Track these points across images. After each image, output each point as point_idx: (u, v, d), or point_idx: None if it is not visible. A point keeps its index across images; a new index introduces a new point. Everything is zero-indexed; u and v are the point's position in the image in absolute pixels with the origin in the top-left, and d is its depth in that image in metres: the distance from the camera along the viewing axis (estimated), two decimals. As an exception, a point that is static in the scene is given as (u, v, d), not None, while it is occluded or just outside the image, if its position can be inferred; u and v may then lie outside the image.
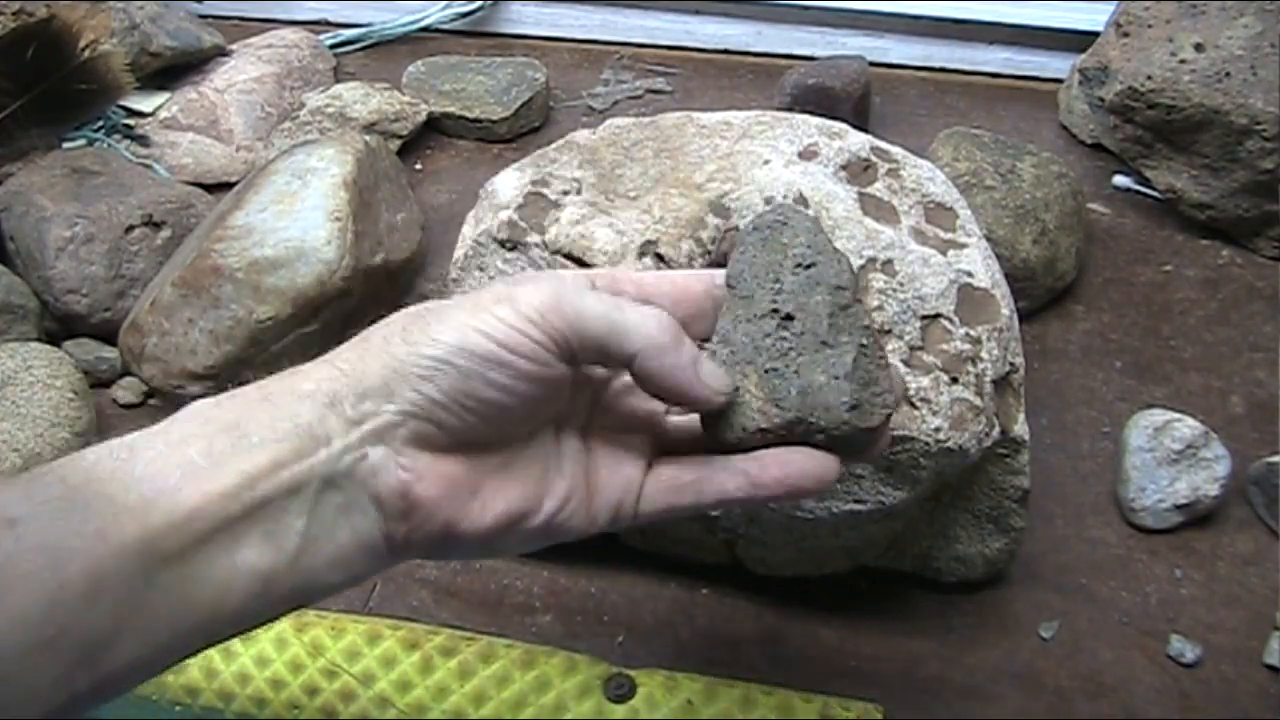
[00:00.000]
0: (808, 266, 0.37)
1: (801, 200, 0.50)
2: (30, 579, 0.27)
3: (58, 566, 0.28)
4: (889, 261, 0.49)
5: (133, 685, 0.30)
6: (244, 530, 0.31)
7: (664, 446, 0.39)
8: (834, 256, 0.37)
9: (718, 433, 0.36)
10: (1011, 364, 0.50)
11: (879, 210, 0.51)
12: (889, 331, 0.47)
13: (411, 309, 0.35)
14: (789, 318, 0.36)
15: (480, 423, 0.34)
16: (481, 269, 0.51)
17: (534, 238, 0.50)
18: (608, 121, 0.56)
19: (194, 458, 0.31)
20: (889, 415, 0.36)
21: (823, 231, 0.38)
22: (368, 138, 0.73)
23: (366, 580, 0.39)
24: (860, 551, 0.54)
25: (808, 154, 0.53)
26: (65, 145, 0.81)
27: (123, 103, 0.86)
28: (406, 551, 0.35)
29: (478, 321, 0.33)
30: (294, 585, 0.32)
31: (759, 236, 0.37)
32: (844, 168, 0.53)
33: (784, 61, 0.94)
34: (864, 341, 0.36)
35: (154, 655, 0.30)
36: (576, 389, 0.37)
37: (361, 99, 0.85)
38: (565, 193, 0.52)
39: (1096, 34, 0.80)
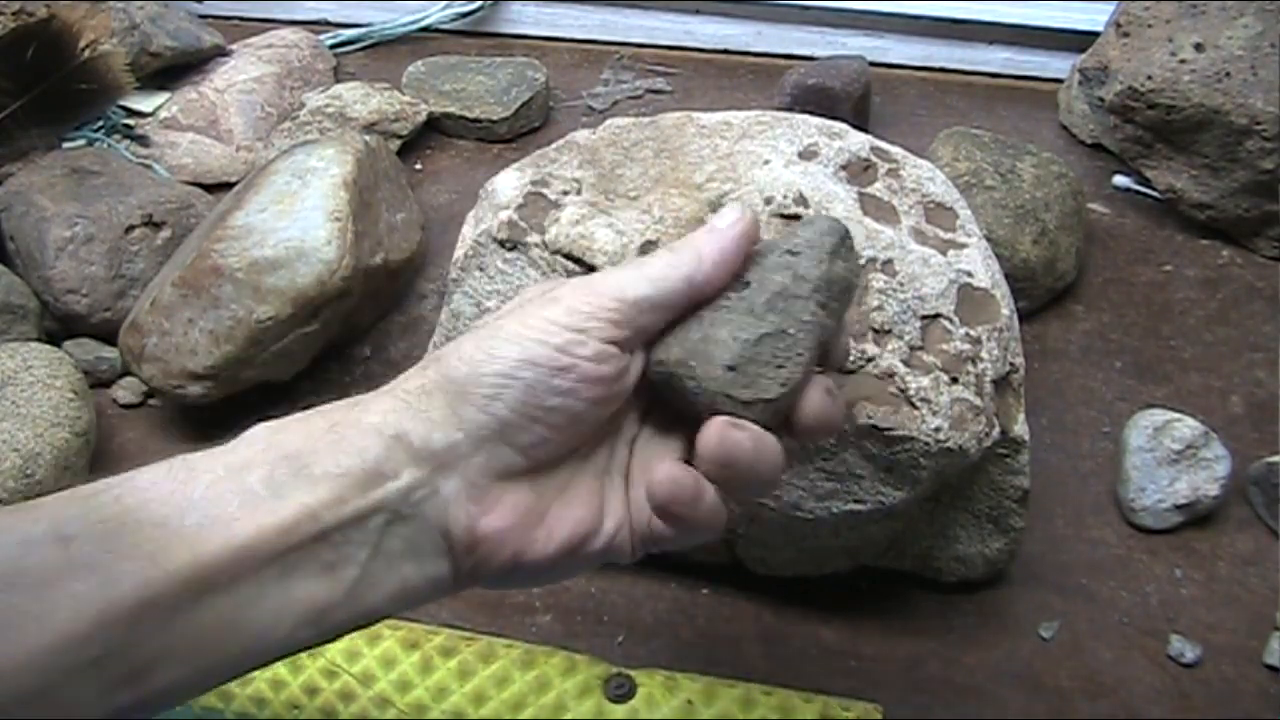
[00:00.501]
0: (794, 254, 0.37)
1: (801, 200, 0.50)
2: (80, 598, 0.27)
3: (107, 586, 0.28)
4: (889, 261, 0.49)
5: (177, 704, 0.30)
6: (300, 563, 0.30)
7: None
8: (829, 259, 0.37)
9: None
10: (1011, 364, 0.50)
11: (879, 210, 0.51)
12: (889, 331, 0.47)
13: (463, 336, 0.35)
14: (746, 284, 0.36)
15: (552, 435, 0.34)
16: (481, 269, 0.51)
17: (534, 238, 0.50)
18: (608, 121, 0.56)
19: (254, 486, 0.30)
20: (773, 401, 0.35)
21: (842, 237, 0.37)
22: (368, 138, 0.73)
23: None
24: (860, 551, 0.54)
25: (808, 154, 0.53)
26: (65, 145, 0.81)
27: (123, 103, 0.86)
28: (471, 582, 0.34)
29: (531, 330, 0.33)
30: (350, 615, 0.32)
31: (790, 228, 0.37)
32: (844, 168, 0.53)
33: (784, 61, 0.94)
34: (791, 331, 0.35)
35: (199, 678, 0.30)
36: (631, 399, 0.36)
37: (361, 99, 0.85)
38: (565, 193, 0.52)
39: (1096, 34, 0.80)
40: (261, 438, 0.32)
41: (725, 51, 0.97)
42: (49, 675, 0.27)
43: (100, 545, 0.28)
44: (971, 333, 0.48)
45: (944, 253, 0.50)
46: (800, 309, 0.36)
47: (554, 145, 0.55)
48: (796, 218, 0.50)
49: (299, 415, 0.33)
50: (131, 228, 0.70)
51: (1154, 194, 0.78)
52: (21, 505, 0.30)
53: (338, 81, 0.92)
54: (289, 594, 0.30)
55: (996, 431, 0.48)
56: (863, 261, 0.48)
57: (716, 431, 0.34)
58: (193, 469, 0.31)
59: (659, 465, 0.35)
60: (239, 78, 0.89)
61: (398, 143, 0.85)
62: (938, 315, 0.48)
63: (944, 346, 0.48)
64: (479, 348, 0.33)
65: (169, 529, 0.29)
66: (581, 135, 0.56)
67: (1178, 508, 0.58)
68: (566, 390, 0.33)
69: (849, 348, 0.40)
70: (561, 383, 0.33)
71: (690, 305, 0.36)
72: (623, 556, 0.37)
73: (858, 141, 0.55)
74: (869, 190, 0.52)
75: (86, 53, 0.78)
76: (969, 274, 0.50)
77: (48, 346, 0.65)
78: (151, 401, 0.69)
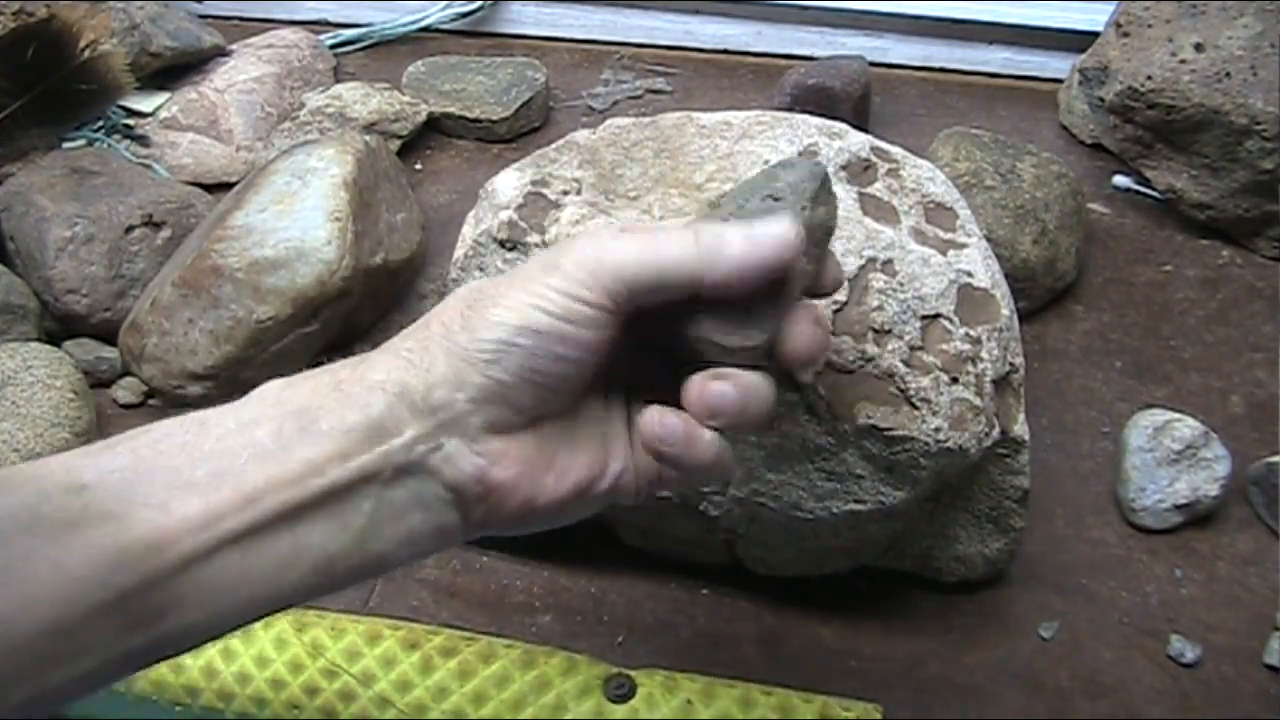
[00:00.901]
0: (776, 199, 0.36)
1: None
2: (95, 544, 0.28)
3: (122, 533, 0.29)
4: (889, 261, 0.49)
5: (190, 648, 0.31)
6: (309, 514, 0.31)
7: None
8: (811, 205, 0.36)
9: None
10: (1011, 364, 0.50)
11: (879, 210, 0.51)
12: (889, 331, 0.47)
13: (464, 292, 0.35)
14: (715, 205, 0.36)
15: (550, 395, 0.35)
16: (481, 269, 0.51)
17: (534, 238, 0.50)
18: (608, 121, 0.56)
19: (263, 439, 0.32)
20: (757, 348, 0.35)
21: (823, 181, 0.37)
22: (368, 138, 0.73)
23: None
24: (860, 551, 0.54)
25: (808, 154, 0.53)
26: (65, 145, 0.81)
27: (123, 103, 0.86)
28: (483, 529, 0.35)
29: (533, 298, 0.34)
30: (359, 564, 0.33)
31: (771, 170, 0.37)
32: (844, 168, 0.53)
33: (784, 61, 0.94)
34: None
35: (211, 622, 0.31)
36: (623, 345, 0.36)
37: (361, 99, 0.85)
38: (565, 193, 0.52)
39: (1096, 34, 0.80)
40: (271, 395, 0.33)
41: (725, 51, 0.97)
42: (67, 614, 0.28)
43: (115, 494, 0.29)
44: (971, 333, 0.48)
45: (944, 253, 0.50)
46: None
47: (554, 145, 0.55)
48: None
49: (307, 373, 0.34)
50: (131, 228, 0.70)
51: (1154, 194, 0.78)
52: (39, 460, 0.31)
53: (338, 81, 0.92)
54: (298, 543, 0.31)
55: (996, 431, 0.48)
56: (860, 262, 0.48)
57: (697, 388, 0.35)
58: (204, 423, 0.32)
59: (644, 410, 0.36)
60: (239, 78, 0.89)
61: (398, 143, 0.85)
62: (938, 315, 0.48)
63: (944, 346, 0.48)
64: (480, 313, 0.34)
65: (181, 479, 0.30)
66: (581, 135, 0.56)
67: (1178, 508, 0.58)
68: (564, 356, 0.34)
69: (840, 275, 0.40)
70: (559, 349, 0.34)
71: (690, 295, 0.35)
72: (628, 497, 0.37)
73: (858, 141, 0.55)
74: (869, 190, 0.52)
75: (86, 53, 0.78)
76: (969, 274, 0.50)
77: (48, 346, 0.65)
78: (151, 401, 0.69)
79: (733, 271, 0.34)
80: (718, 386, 0.35)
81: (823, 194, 0.37)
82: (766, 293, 0.35)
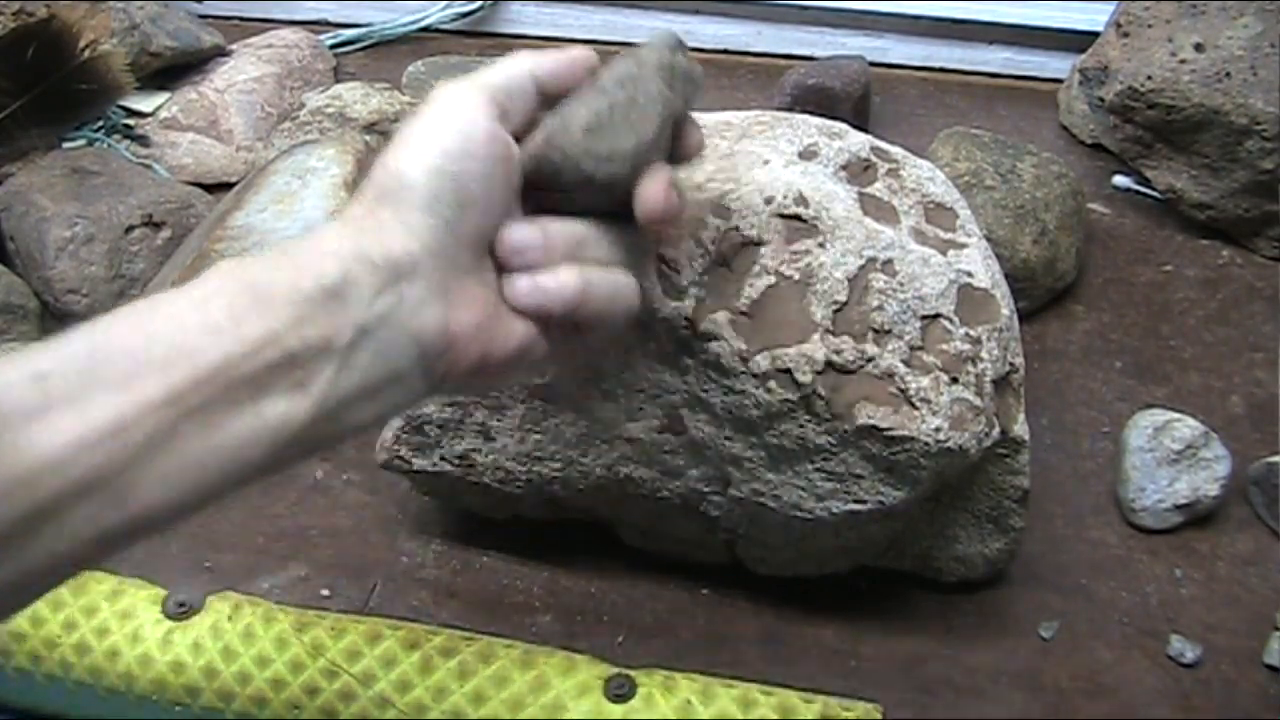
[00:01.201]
0: (635, 54, 0.40)
1: (801, 200, 0.50)
2: (58, 428, 0.29)
3: (84, 415, 0.30)
4: (889, 261, 0.49)
5: (165, 527, 0.32)
6: (270, 384, 0.32)
7: None
8: (669, 52, 0.40)
9: None
10: (1011, 364, 0.50)
11: (879, 210, 0.51)
12: (889, 331, 0.47)
13: (380, 161, 0.37)
14: (595, 82, 0.39)
15: (485, 219, 0.37)
16: (481, 269, 0.51)
17: (534, 238, 0.50)
18: (608, 121, 0.56)
19: (216, 316, 0.32)
20: (628, 153, 0.38)
21: (677, 41, 0.40)
22: (368, 138, 0.73)
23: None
24: (860, 551, 0.54)
25: (808, 154, 0.53)
26: (65, 145, 0.81)
27: (123, 103, 0.86)
28: (442, 386, 0.37)
29: (441, 131, 0.37)
30: (326, 431, 0.34)
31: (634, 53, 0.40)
32: (844, 168, 0.53)
33: (784, 61, 0.94)
34: (640, 100, 0.38)
35: (182, 498, 0.31)
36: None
37: (361, 99, 0.85)
38: (565, 193, 0.52)
39: (1096, 34, 0.80)
40: (222, 271, 0.34)
41: (725, 51, 0.97)
42: (38, 498, 0.29)
43: (74, 380, 0.30)
44: (971, 333, 0.48)
45: (944, 253, 0.50)
46: (647, 83, 0.39)
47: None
48: (797, 218, 0.50)
49: (260, 255, 0.35)
50: (131, 228, 0.70)
51: (1154, 194, 0.78)
52: (9, 356, 0.31)
53: (338, 81, 0.92)
54: (261, 415, 0.32)
55: (996, 431, 0.48)
56: (860, 262, 0.48)
57: (545, 222, 0.39)
58: (156, 305, 0.32)
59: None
60: (239, 78, 0.89)
61: (398, 143, 0.85)
62: (938, 315, 0.48)
63: (944, 346, 0.48)
64: (403, 160, 0.36)
65: (138, 359, 0.31)
66: (581, 135, 0.56)
67: (1178, 508, 0.58)
68: (483, 172, 0.37)
69: (702, 141, 0.43)
70: (477, 165, 0.36)
71: (539, 99, 0.39)
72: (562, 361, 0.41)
73: (858, 141, 0.55)
74: (869, 190, 0.52)
75: (86, 53, 0.78)
76: (969, 274, 0.50)
77: (48, 346, 0.65)
78: (151, 401, 0.69)
79: (552, 59, 0.40)
80: (567, 223, 0.39)
81: (679, 48, 0.40)
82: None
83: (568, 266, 0.38)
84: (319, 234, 0.35)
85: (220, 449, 0.31)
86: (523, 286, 0.38)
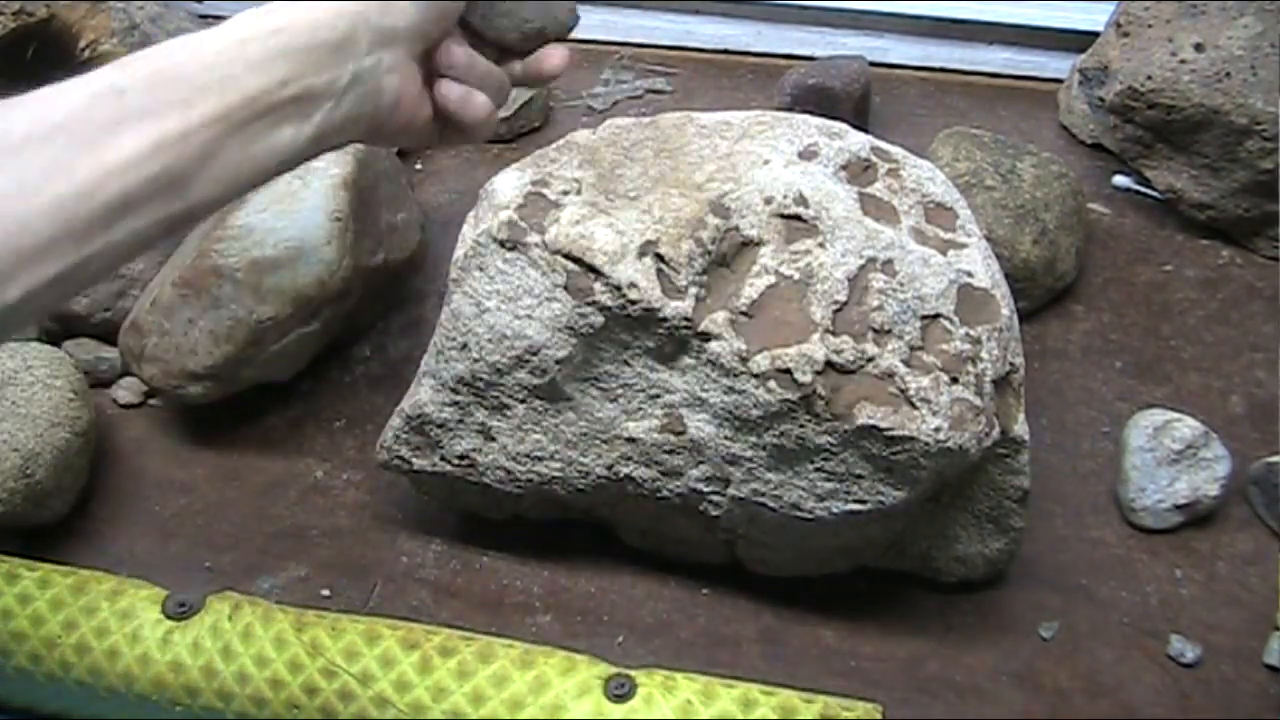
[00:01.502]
0: None
1: (801, 200, 0.50)
2: (138, 134, 0.38)
3: (157, 124, 0.38)
4: (889, 261, 0.49)
5: (205, 217, 0.43)
6: (288, 113, 0.42)
7: None
8: None
9: None
10: (1011, 364, 0.50)
11: (879, 210, 0.51)
12: (889, 331, 0.47)
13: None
14: None
15: (440, 27, 0.47)
16: (481, 269, 0.51)
17: (534, 238, 0.50)
18: (608, 121, 0.57)
19: (254, 55, 0.41)
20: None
21: None
22: (368, 138, 0.73)
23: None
24: (860, 551, 0.54)
25: (808, 154, 0.53)
26: (65, 145, 0.81)
27: (123, 103, 0.86)
28: (378, 134, 0.47)
29: None
30: (312, 153, 0.44)
31: None
32: (844, 168, 0.53)
33: (784, 61, 0.94)
34: None
35: (224, 195, 0.41)
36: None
37: (361, 99, 0.85)
38: (565, 193, 0.52)
39: (1096, 34, 0.80)
40: (254, 18, 0.42)
41: (725, 51, 0.97)
42: (126, 184, 0.38)
43: (146, 96, 0.39)
44: (971, 333, 0.48)
45: (944, 253, 0.50)
46: None
47: (554, 145, 0.55)
48: (797, 218, 0.50)
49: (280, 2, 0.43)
50: (131, 228, 0.70)
51: (1154, 194, 0.78)
52: (85, 75, 0.39)
53: (338, 81, 0.92)
54: (281, 136, 0.42)
55: (996, 431, 0.48)
56: (860, 262, 0.48)
57: (455, 92, 0.49)
58: (205, 41, 0.41)
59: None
60: (239, 78, 0.89)
61: (398, 143, 0.85)
62: (938, 315, 0.48)
63: (944, 346, 0.48)
64: None
65: (195, 84, 0.40)
66: (581, 135, 0.56)
67: (1178, 508, 0.58)
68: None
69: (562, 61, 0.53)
70: None
71: None
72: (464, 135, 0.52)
73: (858, 141, 0.55)
74: (869, 190, 0.52)
75: (86, 53, 0.78)
76: (969, 274, 0.50)
77: (48, 346, 0.65)
78: (151, 401, 0.69)
79: None
80: (486, 63, 0.50)
81: None
82: None
83: (484, 95, 0.49)
84: None
85: (252, 159, 0.41)
86: (455, 91, 0.49)
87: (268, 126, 0.41)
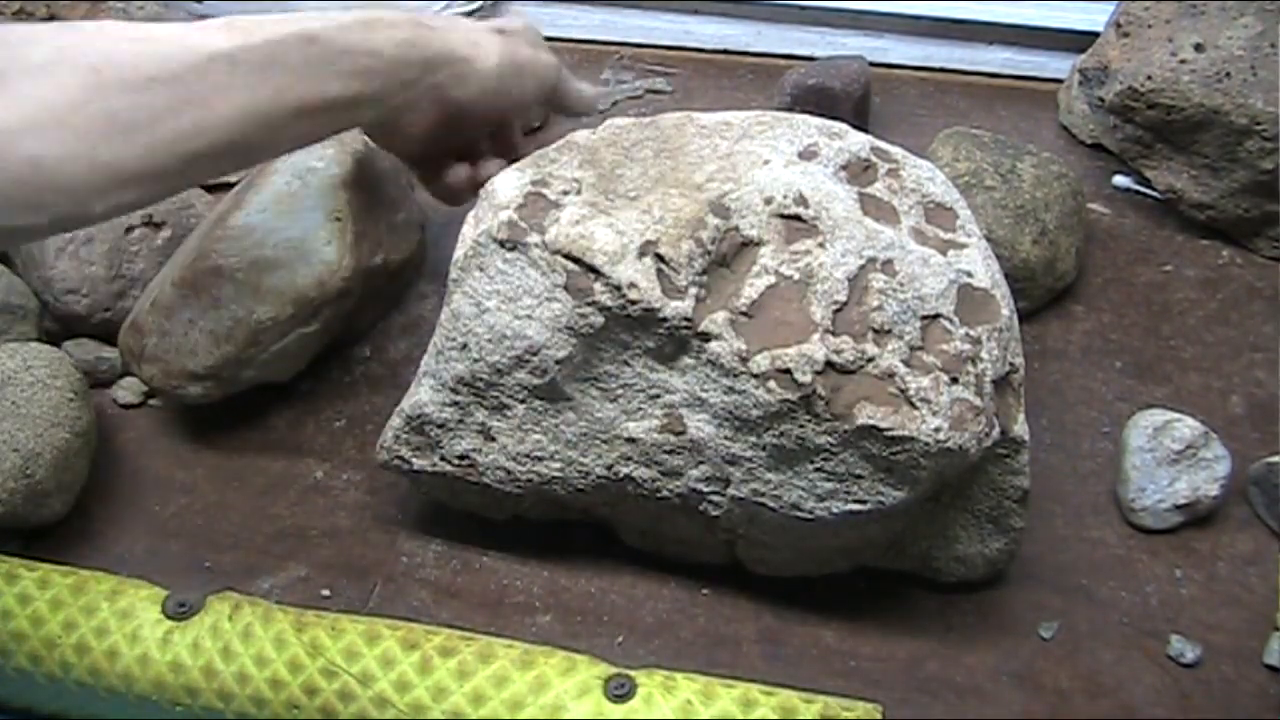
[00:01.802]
0: None
1: (801, 200, 0.50)
2: (235, 104, 0.47)
3: (254, 101, 0.48)
4: (889, 261, 0.49)
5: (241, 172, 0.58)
6: (342, 118, 0.54)
7: None
8: None
9: None
10: (1011, 364, 0.50)
11: (879, 210, 0.51)
12: (889, 331, 0.47)
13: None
14: None
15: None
16: (481, 269, 0.51)
17: (534, 238, 0.50)
18: (608, 121, 0.57)
19: (344, 65, 0.51)
20: None
21: None
22: (367, 138, 0.73)
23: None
24: (860, 551, 0.54)
25: (808, 154, 0.53)
26: (65, 145, 0.81)
27: (123, 103, 0.86)
28: (383, 141, 0.63)
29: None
30: (341, 126, 0.55)
31: None
32: (844, 168, 0.53)
33: (784, 61, 0.94)
34: None
35: (266, 160, 0.59)
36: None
37: (361, 99, 0.85)
38: (565, 193, 0.52)
39: (1096, 34, 0.80)
40: (366, 29, 0.52)
41: (725, 51, 0.97)
42: (212, 142, 0.46)
43: (256, 75, 0.47)
44: (971, 333, 0.48)
45: (944, 253, 0.50)
46: None
47: (554, 145, 0.55)
48: (797, 218, 0.50)
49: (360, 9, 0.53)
50: (131, 228, 0.70)
51: (1154, 194, 0.78)
52: (207, 27, 0.48)
53: (338, 81, 0.92)
54: (324, 129, 0.54)
55: (996, 431, 0.48)
56: (860, 262, 0.48)
57: (461, 175, 0.64)
58: (325, 34, 0.50)
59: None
60: (239, 78, 0.89)
61: (398, 143, 0.84)
62: (938, 315, 0.48)
63: (944, 346, 0.48)
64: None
65: (297, 73, 0.48)
66: (581, 135, 0.56)
67: (1178, 508, 0.58)
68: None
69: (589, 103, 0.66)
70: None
71: None
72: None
73: (858, 141, 0.55)
74: (869, 190, 0.52)
75: (86, 53, 0.78)
76: (969, 274, 0.50)
77: (48, 346, 0.65)
78: (151, 401, 0.69)
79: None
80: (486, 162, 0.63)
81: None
82: None
83: (472, 189, 0.59)
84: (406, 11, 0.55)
85: (296, 140, 0.52)
86: (461, 175, 0.62)
87: (326, 123, 0.51)
